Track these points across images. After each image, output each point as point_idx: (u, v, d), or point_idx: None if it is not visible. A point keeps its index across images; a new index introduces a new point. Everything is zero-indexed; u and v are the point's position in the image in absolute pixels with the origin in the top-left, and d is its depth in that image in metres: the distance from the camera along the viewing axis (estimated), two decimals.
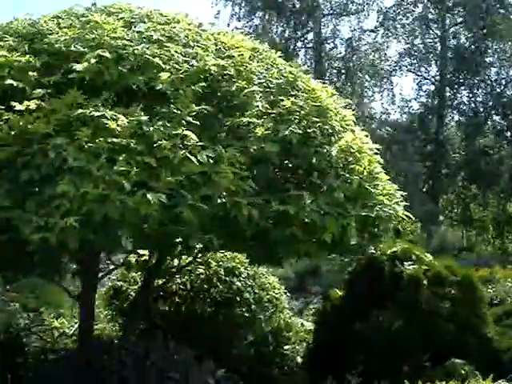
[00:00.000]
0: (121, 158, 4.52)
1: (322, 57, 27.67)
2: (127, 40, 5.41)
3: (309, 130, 5.47)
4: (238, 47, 6.00)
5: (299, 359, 7.88)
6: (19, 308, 12.17)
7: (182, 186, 4.70)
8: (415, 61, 26.54)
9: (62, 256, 6.31)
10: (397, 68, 27.09)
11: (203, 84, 5.24)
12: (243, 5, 28.20)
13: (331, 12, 28.13)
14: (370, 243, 6.06)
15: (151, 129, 4.74)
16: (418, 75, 26.90)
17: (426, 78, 26.86)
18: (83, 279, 6.87)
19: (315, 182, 5.42)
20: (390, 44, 27.38)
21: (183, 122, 4.94)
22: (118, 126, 4.63)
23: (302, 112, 5.53)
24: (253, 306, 9.02)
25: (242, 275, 9.32)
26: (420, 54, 26.01)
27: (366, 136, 6.61)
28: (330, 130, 5.78)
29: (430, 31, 25.85)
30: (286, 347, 8.00)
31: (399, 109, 27.67)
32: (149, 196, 4.42)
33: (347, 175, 5.60)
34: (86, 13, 5.99)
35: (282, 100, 5.49)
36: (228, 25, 27.45)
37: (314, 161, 5.48)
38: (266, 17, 28.21)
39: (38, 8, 6.65)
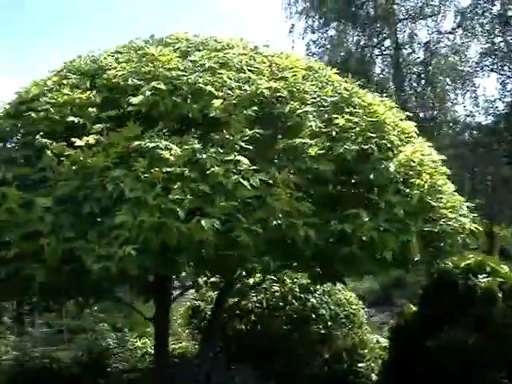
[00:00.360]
0: (175, 187, 4.64)
1: (400, 63, 27.06)
2: (181, 70, 5.57)
3: (365, 146, 5.40)
4: (292, 68, 6.04)
5: (374, 377, 7.73)
6: (108, 327, 12.71)
7: (237, 211, 4.77)
8: (497, 60, 25.50)
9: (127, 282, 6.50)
10: (478, 69, 26.07)
11: (255, 108, 5.30)
12: (317, 17, 28.13)
13: (406, 16, 27.52)
14: (435, 258, 5.88)
15: (204, 156, 4.84)
16: (502, 74, 25.79)
17: (509, 77, 25.75)
18: (156, 301, 7.06)
19: (373, 199, 5.35)
20: (470, 44, 26.42)
21: (236, 147, 5.02)
22: (171, 155, 4.76)
23: (358, 128, 5.48)
24: (329, 323, 8.99)
25: (317, 292, 9.31)
26: (502, 52, 24.97)
27: (430, 147, 6.49)
28: (388, 145, 5.68)
29: (511, 28, 24.80)
30: (360, 365, 7.88)
31: (483, 110, 26.62)
32: (203, 222, 4.51)
33: (407, 190, 5.49)
34: (144, 45, 6.22)
35: (337, 118, 5.47)
36: (303, 38, 27.56)
37: (371, 177, 5.42)
38: (341, 27, 27.97)
39: (101, 43, 6.92)
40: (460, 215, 5.88)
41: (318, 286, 9.32)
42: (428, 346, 6.39)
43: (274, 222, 4.84)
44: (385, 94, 25.29)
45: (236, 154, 4.88)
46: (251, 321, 8.93)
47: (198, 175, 4.78)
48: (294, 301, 9.08)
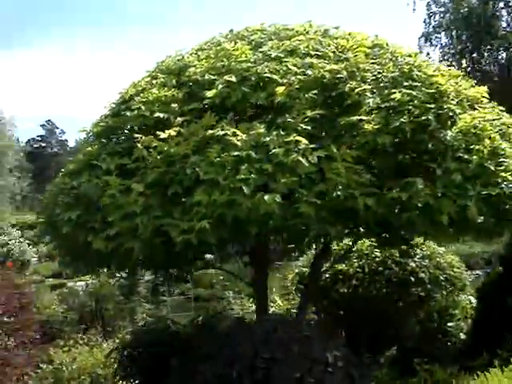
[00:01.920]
0: (243, 167, 5.35)
1: None
2: (251, 62, 6.23)
3: (423, 118, 5.73)
4: (357, 47, 6.48)
5: (462, 335, 7.99)
6: (234, 294, 13.87)
7: (299, 185, 5.39)
8: None
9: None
10: None
11: (315, 91, 5.84)
12: None
13: None
14: (500, 221, 6.07)
15: (268, 139, 5.50)
16: None
17: None
18: (254, 267, 7.86)
19: (432, 167, 5.69)
20: None
21: (298, 128, 5.62)
22: (238, 140, 5.47)
23: (416, 101, 5.81)
24: (428, 286, 9.29)
25: (417, 256, 9.62)
26: None
27: (502, 111, 6.63)
28: (450, 114, 5.97)
29: None
30: (449, 324, 8.16)
31: None
32: (265, 197, 5.18)
33: (466, 156, 5.75)
34: (223, 40, 6.95)
35: (394, 93, 5.84)
36: None
37: (429, 146, 5.76)
38: None
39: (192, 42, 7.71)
40: None
41: (418, 251, 9.68)
42: (509, 304, 6.58)
43: (334, 194, 5.40)
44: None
45: (295, 134, 5.47)
46: (352, 285, 9.49)
47: (263, 156, 5.44)
48: (393, 265, 9.49)
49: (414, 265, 9.43)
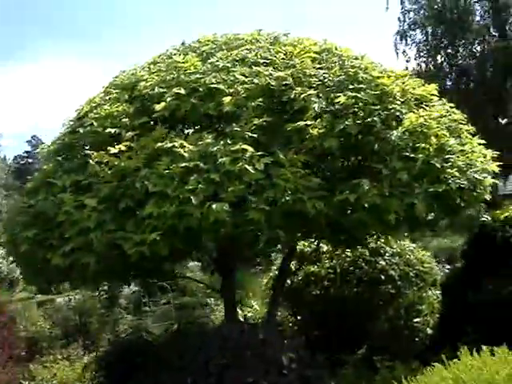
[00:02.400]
0: (192, 178, 5.45)
1: (500, 7, 25.79)
2: (200, 73, 6.34)
3: (368, 119, 5.85)
4: (304, 53, 6.60)
5: (429, 331, 8.10)
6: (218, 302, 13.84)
7: (249, 193, 5.50)
8: None
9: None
10: None
11: (261, 99, 5.96)
12: None
13: None
14: (449, 216, 6.20)
15: (215, 149, 5.60)
16: None
17: None
18: (221, 274, 7.96)
19: (377, 167, 5.81)
20: None
21: (246, 136, 5.72)
22: (185, 152, 5.58)
23: (361, 103, 5.93)
24: (398, 283, 9.38)
25: (387, 254, 9.72)
26: None
27: (451, 107, 6.77)
28: (397, 114, 6.09)
29: None
30: (415, 320, 8.27)
31: None
32: (213, 206, 5.28)
33: (412, 155, 5.87)
34: (174, 52, 7.06)
35: (339, 96, 5.96)
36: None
37: (376, 147, 5.88)
38: None
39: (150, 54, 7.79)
40: (476, 171, 6.15)
41: (388, 249, 9.79)
42: (469, 297, 6.69)
43: (283, 199, 5.50)
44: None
45: (242, 143, 5.57)
46: (325, 286, 9.58)
47: (211, 166, 5.55)
48: (364, 264, 9.58)
49: (383, 263, 9.50)
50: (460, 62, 25.32)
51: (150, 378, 5.73)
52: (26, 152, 58.25)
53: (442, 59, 25.28)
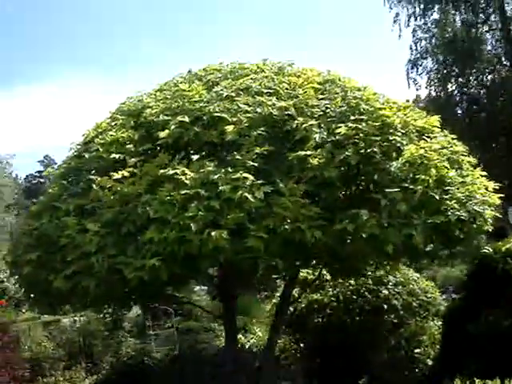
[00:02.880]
0: (192, 205, 5.53)
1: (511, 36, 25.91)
2: (204, 102, 6.46)
3: (368, 150, 5.92)
4: (307, 84, 6.71)
5: (430, 362, 8.06)
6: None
7: (247, 220, 5.56)
8: None
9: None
10: None
11: (263, 128, 6.04)
12: (420, 1, 27.58)
13: None
14: (447, 247, 6.21)
15: (216, 176, 5.68)
16: None
17: None
18: (222, 300, 7.98)
19: (376, 198, 5.86)
20: None
21: (247, 164, 5.80)
22: (187, 179, 5.66)
23: (361, 134, 6.00)
24: (401, 312, 9.37)
25: (390, 283, 9.72)
26: None
27: (453, 139, 6.82)
28: (398, 145, 6.15)
29: None
30: (416, 350, 8.23)
31: None
32: (213, 233, 5.34)
33: (411, 186, 5.91)
34: (181, 80, 7.19)
35: (340, 127, 6.04)
36: (407, 25, 27.17)
37: (375, 178, 5.94)
38: (445, 8, 27.19)
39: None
40: (476, 203, 6.18)
41: (391, 278, 9.78)
42: (468, 328, 6.67)
43: (282, 228, 5.55)
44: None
45: (242, 171, 5.64)
46: (327, 314, 9.58)
47: (212, 193, 5.62)
48: (366, 293, 9.59)
49: (387, 292, 9.53)
50: (471, 90, 25.44)
51: None
52: (38, 172, 58.75)
53: (453, 88, 25.44)
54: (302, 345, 10.08)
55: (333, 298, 9.66)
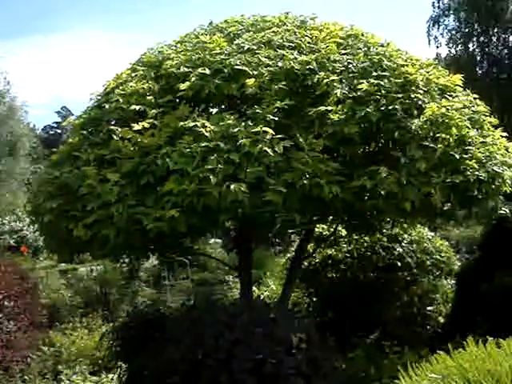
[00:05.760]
0: (212, 158, 5.56)
1: None
2: (225, 54, 6.41)
3: (389, 107, 5.88)
4: (329, 38, 6.63)
5: (441, 319, 8.15)
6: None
7: (268, 175, 5.59)
8: None
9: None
10: None
11: (283, 83, 6.01)
12: None
13: None
14: (465, 207, 6.22)
15: (236, 130, 5.69)
16: None
17: None
18: (239, 253, 8.09)
19: (396, 155, 5.85)
20: None
21: (267, 119, 5.80)
22: (207, 132, 5.68)
23: (383, 91, 5.96)
24: (414, 270, 9.44)
25: (405, 241, 9.76)
26: None
27: (475, 99, 6.75)
28: (419, 103, 6.11)
29: None
30: (428, 308, 8.32)
31: None
32: (231, 186, 5.39)
33: (432, 145, 5.89)
34: (202, 32, 7.13)
35: (362, 83, 5.99)
36: None
37: (396, 135, 5.92)
38: None
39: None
40: (496, 164, 6.15)
41: (406, 236, 9.83)
42: (481, 289, 6.73)
43: (300, 183, 5.59)
44: None
45: (262, 125, 5.65)
46: (341, 269, 9.68)
47: (232, 147, 5.64)
48: (381, 250, 9.65)
49: (401, 250, 9.57)
50: (492, 51, 24.95)
51: (162, 351, 5.90)
52: (56, 123, 58.98)
53: (474, 47, 24.97)
54: (314, 299, 10.22)
55: (347, 254, 9.74)
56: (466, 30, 24.92)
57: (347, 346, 7.47)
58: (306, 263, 9.62)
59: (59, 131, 56.44)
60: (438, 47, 26.50)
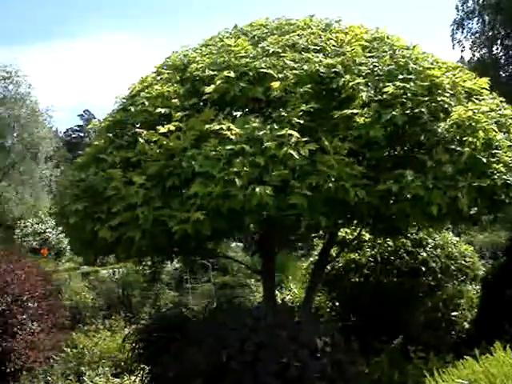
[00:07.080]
0: (237, 161, 5.56)
1: None
2: (250, 57, 6.42)
3: (415, 110, 5.84)
4: (355, 41, 6.61)
5: (466, 325, 8.06)
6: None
7: (293, 178, 5.58)
8: None
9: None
10: None
11: (309, 86, 6.00)
12: None
13: None
14: (492, 211, 6.14)
15: (261, 133, 5.69)
16: None
17: None
18: (262, 256, 8.08)
19: (422, 159, 5.80)
20: None
21: (292, 121, 5.79)
22: (233, 134, 5.68)
23: (409, 94, 5.92)
24: (439, 275, 9.35)
25: (429, 246, 9.67)
26: None
27: (502, 102, 6.68)
28: (446, 106, 6.06)
29: None
30: (453, 313, 8.23)
31: None
32: (257, 189, 5.38)
33: (458, 148, 5.84)
34: (226, 36, 7.15)
35: (388, 86, 5.95)
36: None
37: (422, 139, 5.87)
38: None
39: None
40: None
41: (430, 241, 9.73)
42: (507, 294, 6.65)
43: (326, 186, 5.56)
44: None
45: (287, 128, 5.64)
46: (364, 274, 9.62)
47: (257, 150, 5.64)
48: (405, 254, 9.57)
49: (425, 254, 9.48)
50: None
51: (185, 353, 5.91)
52: (78, 126, 59.52)
53: (499, 50, 24.70)
54: (337, 303, 10.17)
55: (370, 259, 9.67)
56: (490, 34, 24.66)
57: (370, 351, 7.41)
58: (328, 267, 9.59)
59: (81, 134, 56.97)
60: (462, 51, 26.28)
